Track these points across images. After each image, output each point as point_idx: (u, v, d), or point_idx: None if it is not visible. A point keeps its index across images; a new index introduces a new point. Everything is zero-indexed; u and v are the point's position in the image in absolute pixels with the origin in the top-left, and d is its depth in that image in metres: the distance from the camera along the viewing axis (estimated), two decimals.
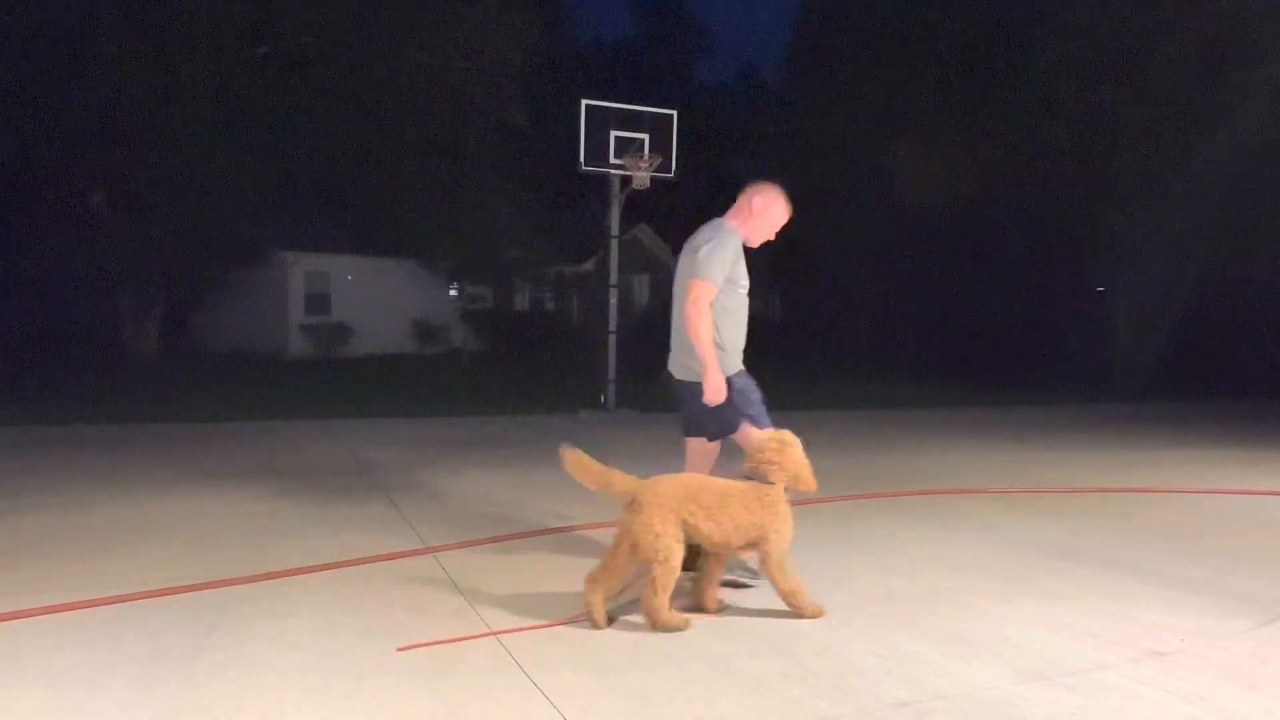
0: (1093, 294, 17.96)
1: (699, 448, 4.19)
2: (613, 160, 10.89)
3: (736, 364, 4.06)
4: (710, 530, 3.42)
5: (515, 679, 2.94)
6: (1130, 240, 16.74)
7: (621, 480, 3.45)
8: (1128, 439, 10.01)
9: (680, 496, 3.42)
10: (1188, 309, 17.33)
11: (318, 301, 21.62)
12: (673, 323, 4.15)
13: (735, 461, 3.86)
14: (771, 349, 22.74)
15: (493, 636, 3.31)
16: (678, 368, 4.12)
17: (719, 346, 3.94)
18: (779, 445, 3.63)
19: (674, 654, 3.17)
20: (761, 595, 3.85)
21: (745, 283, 4.06)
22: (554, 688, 2.86)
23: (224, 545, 4.56)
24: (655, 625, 3.37)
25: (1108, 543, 4.93)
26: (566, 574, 4.14)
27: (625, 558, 3.42)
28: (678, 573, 3.40)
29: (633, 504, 3.41)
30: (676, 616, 3.42)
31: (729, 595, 3.81)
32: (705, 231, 4.08)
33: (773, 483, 3.56)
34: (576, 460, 3.47)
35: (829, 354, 21.51)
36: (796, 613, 3.56)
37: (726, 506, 3.45)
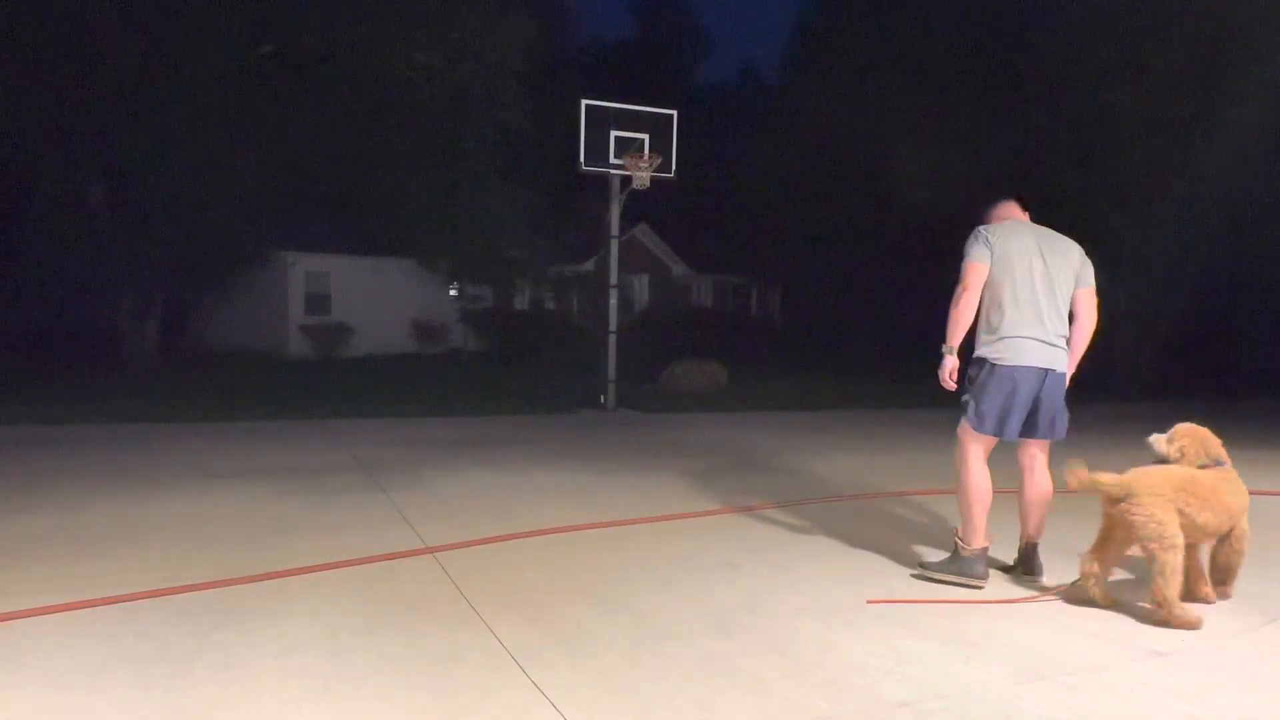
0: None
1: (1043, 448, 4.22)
2: (613, 160, 10.90)
3: None
4: (1207, 519, 3.64)
5: (515, 679, 2.94)
6: (1130, 240, 16.74)
7: (1108, 479, 3.68)
8: (1127, 438, 9.97)
9: (1175, 488, 3.61)
10: (1188, 308, 17.33)
11: (318, 301, 21.63)
12: (1044, 315, 4.03)
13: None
14: (772, 348, 22.78)
15: (493, 636, 3.31)
16: (1057, 361, 4.05)
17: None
18: (1190, 430, 3.93)
19: (674, 654, 3.17)
20: (767, 594, 3.85)
21: None
22: (554, 688, 2.86)
23: (224, 545, 4.56)
24: (1168, 618, 3.50)
25: None
26: (568, 574, 4.15)
27: (1117, 549, 3.72)
28: (1182, 559, 3.56)
29: (1124, 499, 3.60)
30: (1189, 612, 3.53)
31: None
32: (1061, 238, 4.25)
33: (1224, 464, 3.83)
34: (1082, 476, 3.70)
35: (829, 353, 21.52)
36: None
37: (1219, 494, 3.69)
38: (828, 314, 26.60)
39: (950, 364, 4.08)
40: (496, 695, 2.81)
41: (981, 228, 4.20)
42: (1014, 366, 3.99)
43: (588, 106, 10.85)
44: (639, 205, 13.29)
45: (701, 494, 6.15)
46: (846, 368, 18.59)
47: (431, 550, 4.51)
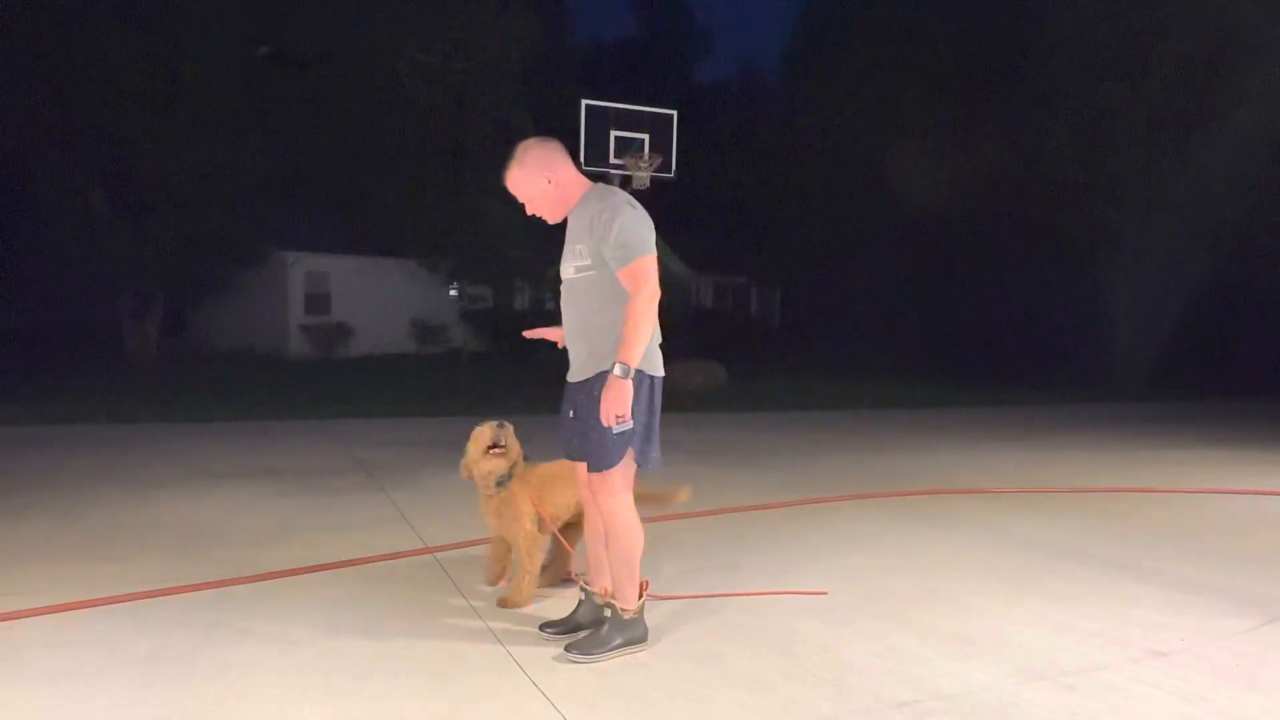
0: (1092, 294, 17.97)
1: None
2: (613, 160, 10.89)
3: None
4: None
5: (515, 679, 2.94)
6: (1130, 240, 16.75)
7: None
8: (1127, 438, 10.00)
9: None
10: (1188, 309, 17.35)
11: (318, 301, 21.63)
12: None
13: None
14: (771, 348, 22.78)
15: (493, 636, 3.31)
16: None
17: None
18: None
19: (674, 654, 3.17)
20: (767, 595, 3.85)
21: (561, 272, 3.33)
22: (554, 688, 2.86)
23: (224, 545, 4.56)
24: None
25: (1108, 543, 4.93)
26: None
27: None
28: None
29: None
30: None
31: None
32: None
33: None
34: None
35: (828, 353, 21.52)
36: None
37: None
38: (827, 314, 26.62)
39: (630, 391, 2.96)
40: (496, 695, 2.81)
41: (628, 198, 3.14)
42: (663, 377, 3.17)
43: (587, 106, 10.84)
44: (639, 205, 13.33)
45: (701, 494, 6.13)
46: (845, 367, 18.59)
47: (431, 550, 4.51)
